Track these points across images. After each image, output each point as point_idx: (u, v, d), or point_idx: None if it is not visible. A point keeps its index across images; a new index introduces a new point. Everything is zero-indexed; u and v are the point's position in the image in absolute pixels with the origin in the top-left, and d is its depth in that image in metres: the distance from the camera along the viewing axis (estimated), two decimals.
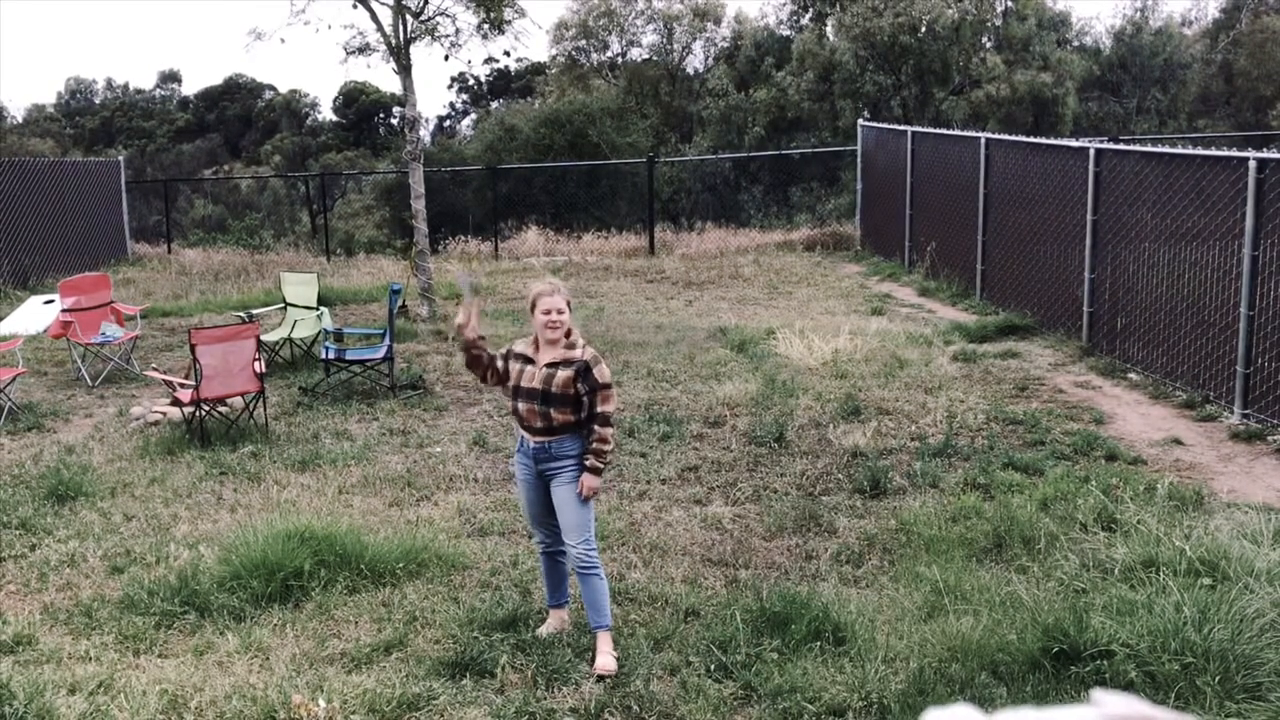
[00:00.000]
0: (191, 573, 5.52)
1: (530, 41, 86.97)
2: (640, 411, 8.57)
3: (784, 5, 28.60)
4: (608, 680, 4.48)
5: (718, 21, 30.39)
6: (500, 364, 4.75)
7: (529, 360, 4.68)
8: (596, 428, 4.63)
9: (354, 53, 14.30)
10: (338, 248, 21.63)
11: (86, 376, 10.31)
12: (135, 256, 19.52)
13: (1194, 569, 5.00)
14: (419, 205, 13.18)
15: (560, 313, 4.62)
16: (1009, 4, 26.25)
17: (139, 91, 52.40)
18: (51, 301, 12.76)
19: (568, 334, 4.67)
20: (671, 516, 6.43)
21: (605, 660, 4.57)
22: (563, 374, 4.58)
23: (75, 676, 4.57)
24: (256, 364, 8.33)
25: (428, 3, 13.19)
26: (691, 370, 9.92)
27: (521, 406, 4.66)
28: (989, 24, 25.95)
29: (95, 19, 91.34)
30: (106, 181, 19.40)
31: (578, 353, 4.64)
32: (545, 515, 4.81)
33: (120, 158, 22.40)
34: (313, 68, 75.87)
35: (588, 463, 4.65)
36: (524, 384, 4.64)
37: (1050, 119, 24.15)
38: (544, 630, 4.91)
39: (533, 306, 4.69)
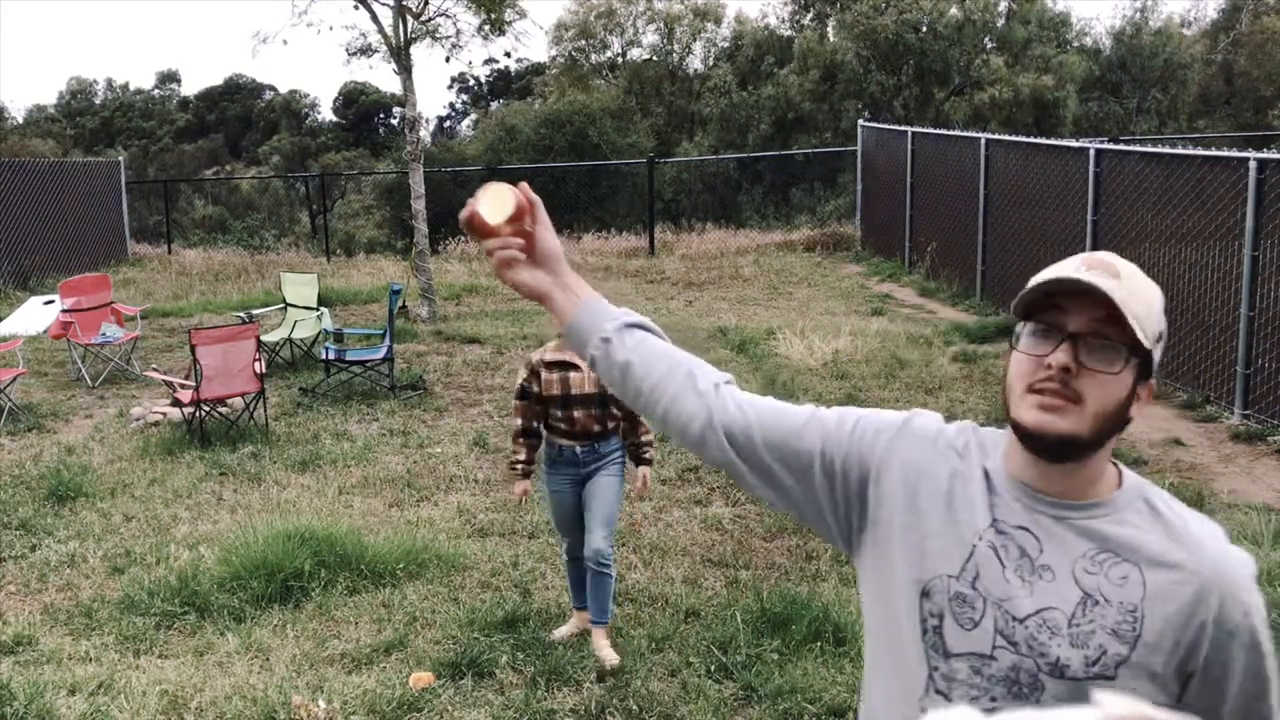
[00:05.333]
0: (191, 573, 5.52)
1: (530, 42, 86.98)
2: None
3: (785, 5, 28.61)
4: (609, 680, 4.48)
5: (718, 21, 30.37)
6: (530, 404, 4.61)
7: (570, 366, 4.52)
8: (643, 420, 4.66)
9: (356, 54, 14.34)
10: (338, 248, 21.63)
11: (87, 377, 10.31)
12: (135, 257, 19.52)
13: None
14: (419, 205, 13.18)
15: None
16: (1011, 6, 26.23)
17: (139, 91, 52.34)
18: (51, 302, 12.76)
19: None
20: (672, 517, 6.43)
21: (610, 653, 4.62)
22: None
23: (75, 677, 4.57)
24: (256, 364, 8.33)
25: (428, 4, 13.20)
26: None
27: (578, 414, 4.54)
28: (991, 25, 25.93)
29: (95, 19, 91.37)
30: (106, 182, 19.40)
31: None
32: (578, 521, 4.73)
33: (120, 158, 22.39)
34: (312, 68, 75.93)
35: (646, 455, 4.73)
36: (576, 391, 4.51)
37: (1051, 121, 24.14)
38: (563, 632, 4.86)
39: None
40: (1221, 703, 1.41)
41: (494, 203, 1.58)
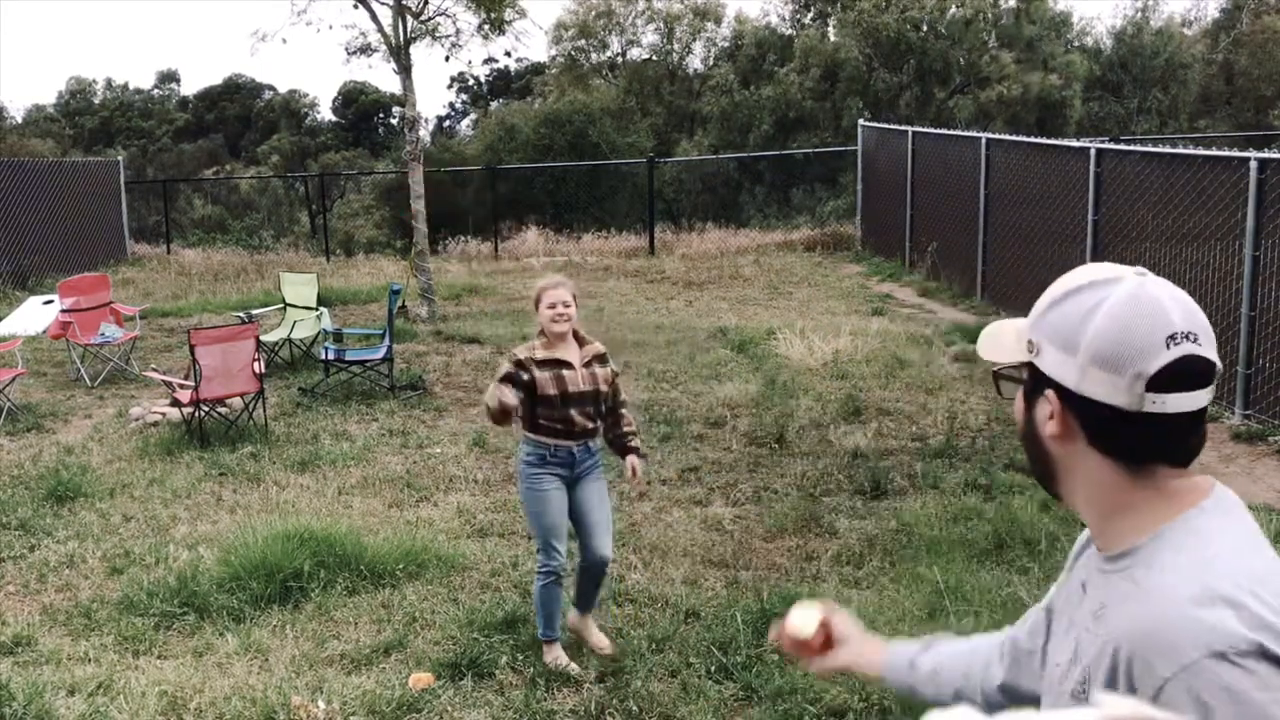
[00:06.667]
0: (191, 574, 5.51)
1: (530, 42, 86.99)
2: (640, 412, 8.55)
3: (785, 4, 28.59)
4: (609, 681, 4.47)
5: (718, 21, 30.37)
6: (516, 392, 4.37)
7: (562, 364, 4.44)
8: (624, 412, 4.72)
9: (355, 53, 14.34)
10: (337, 248, 21.62)
11: (86, 377, 10.30)
12: (134, 257, 19.51)
13: None
14: (419, 205, 13.17)
15: (566, 305, 4.44)
16: (1020, 4, 26.20)
17: (138, 91, 52.28)
18: (51, 302, 12.74)
19: (576, 334, 4.54)
20: (672, 517, 6.42)
21: (602, 638, 4.74)
22: (601, 370, 4.54)
23: (74, 677, 4.56)
24: (256, 364, 8.32)
25: (427, 3, 13.19)
26: (692, 371, 9.91)
27: (575, 413, 4.45)
28: (996, 23, 25.91)
29: (95, 19, 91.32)
30: (106, 181, 19.39)
31: (598, 346, 4.62)
32: (565, 521, 4.61)
33: (119, 158, 22.38)
34: (312, 68, 75.89)
35: (633, 444, 4.72)
36: (573, 389, 4.43)
37: (1057, 121, 24.14)
38: (563, 662, 4.60)
39: (537, 302, 4.51)
40: None
41: (804, 620, 1.88)
